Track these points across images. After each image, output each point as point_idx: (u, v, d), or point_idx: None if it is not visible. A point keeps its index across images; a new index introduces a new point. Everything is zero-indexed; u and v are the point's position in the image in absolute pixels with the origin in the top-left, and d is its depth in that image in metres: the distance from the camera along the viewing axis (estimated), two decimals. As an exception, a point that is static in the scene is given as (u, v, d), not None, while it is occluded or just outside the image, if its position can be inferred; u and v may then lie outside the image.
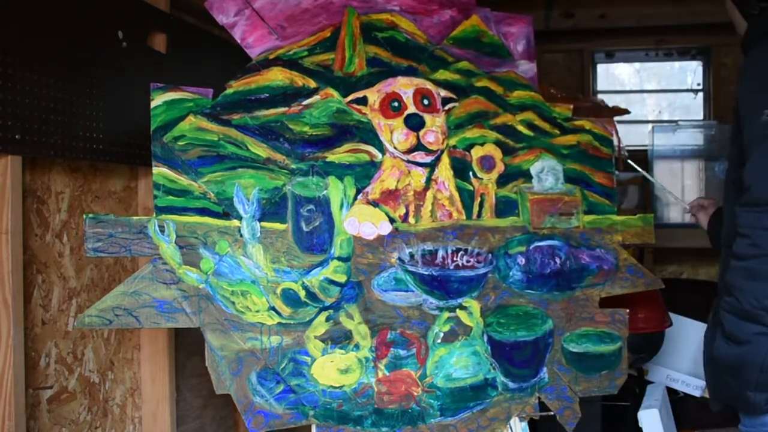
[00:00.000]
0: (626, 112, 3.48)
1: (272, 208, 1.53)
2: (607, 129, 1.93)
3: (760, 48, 1.44)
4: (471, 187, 1.72)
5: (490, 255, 1.70)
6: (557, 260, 1.76)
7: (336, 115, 1.61)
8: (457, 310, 1.66)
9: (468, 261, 1.68)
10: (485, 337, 1.68)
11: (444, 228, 1.68)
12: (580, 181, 1.83)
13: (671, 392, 2.83)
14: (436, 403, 1.63)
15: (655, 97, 4.70)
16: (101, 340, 1.87)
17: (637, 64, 4.63)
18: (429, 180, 1.67)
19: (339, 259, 1.56)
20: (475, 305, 1.68)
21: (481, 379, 1.67)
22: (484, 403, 1.67)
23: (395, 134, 1.64)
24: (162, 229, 1.43)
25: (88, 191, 1.83)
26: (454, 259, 1.66)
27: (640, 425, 2.37)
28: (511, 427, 1.70)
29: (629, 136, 4.29)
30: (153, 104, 1.45)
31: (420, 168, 1.67)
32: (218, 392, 1.48)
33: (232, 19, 1.57)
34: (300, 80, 1.59)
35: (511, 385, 1.70)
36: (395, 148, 1.64)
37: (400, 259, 1.62)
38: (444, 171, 1.69)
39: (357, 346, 1.57)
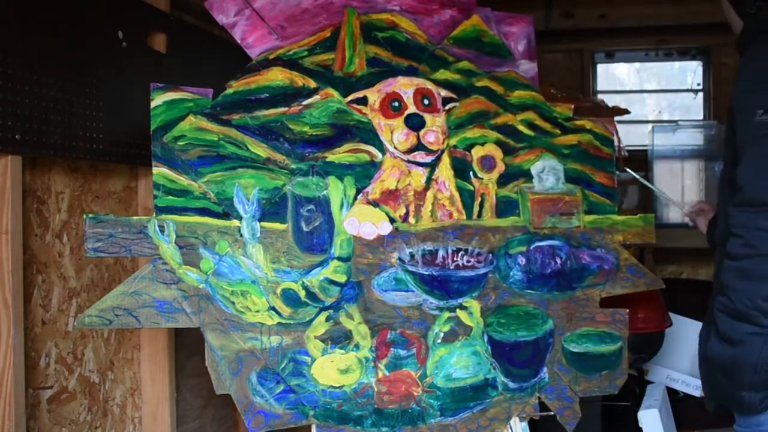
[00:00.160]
0: (626, 112, 3.48)
1: (272, 208, 1.52)
2: (608, 129, 1.93)
3: (755, 48, 1.43)
4: (471, 187, 1.72)
5: (490, 255, 1.70)
6: (558, 260, 1.76)
7: (336, 115, 1.61)
8: (458, 310, 1.66)
9: (468, 261, 1.68)
10: (485, 337, 1.68)
11: (444, 228, 1.67)
12: (581, 181, 1.83)
13: (671, 392, 2.83)
14: (436, 403, 1.63)
15: (655, 97, 4.70)
16: (101, 340, 1.87)
17: (637, 64, 4.63)
18: (429, 180, 1.67)
19: (339, 259, 1.56)
20: (475, 305, 1.68)
21: (481, 379, 1.67)
22: (485, 403, 1.67)
23: (395, 134, 1.64)
24: (162, 229, 1.43)
25: (88, 191, 1.83)
26: (455, 259, 1.66)
27: (640, 425, 2.37)
28: (511, 427, 1.70)
29: (629, 136, 4.29)
30: (153, 104, 1.45)
31: (420, 168, 1.67)
32: (218, 392, 1.48)
33: (232, 19, 1.57)
34: (300, 80, 1.59)
35: (511, 385, 1.70)
36: (395, 148, 1.64)
37: (400, 259, 1.62)
38: (444, 171, 1.69)
39: (357, 346, 1.57)
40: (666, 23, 3.99)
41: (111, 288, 1.67)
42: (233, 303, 1.48)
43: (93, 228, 1.38)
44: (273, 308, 1.50)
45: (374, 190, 1.62)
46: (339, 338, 1.56)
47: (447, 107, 1.72)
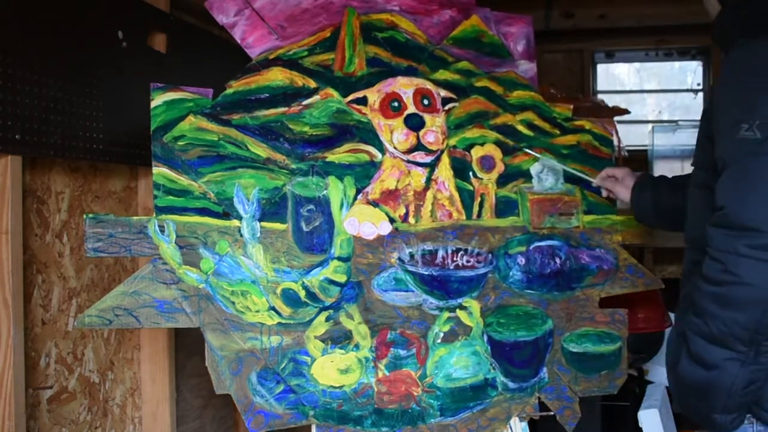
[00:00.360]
0: (626, 112, 3.48)
1: (272, 208, 1.53)
2: (606, 129, 1.93)
3: (749, 48, 1.26)
4: (471, 187, 1.72)
5: (490, 255, 1.70)
6: (557, 260, 1.76)
7: (336, 115, 1.61)
8: (457, 310, 1.66)
9: (468, 261, 1.68)
10: (485, 337, 1.68)
11: (444, 228, 1.68)
12: (580, 181, 1.83)
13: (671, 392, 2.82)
14: (436, 403, 1.63)
15: (655, 97, 4.70)
16: (101, 340, 1.87)
17: (637, 64, 4.63)
18: (429, 180, 1.67)
19: (339, 259, 1.56)
20: (475, 305, 1.68)
21: (481, 379, 1.67)
22: (484, 403, 1.67)
23: (395, 134, 1.64)
24: (162, 229, 1.43)
25: (88, 191, 1.83)
26: (454, 259, 1.66)
27: (640, 425, 2.37)
28: (511, 427, 1.70)
29: (629, 136, 4.30)
30: (153, 104, 1.45)
31: (420, 168, 1.67)
32: (218, 392, 1.48)
33: (232, 19, 1.57)
34: (300, 80, 1.59)
35: (511, 385, 1.70)
36: (395, 148, 1.64)
37: (400, 259, 1.62)
38: (444, 171, 1.69)
39: (357, 346, 1.57)
40: (666, 23, 3.99)
41: (111, 288, 1.67)
42: (233, 303, 1.48)
43: (93, 228, 1.38)
44: (273, 308, 1.51)
45: (374, 190, 1.62)
46: (339, 338, 1.56)
47: (446, 107, 1.72)
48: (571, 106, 1.90)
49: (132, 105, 1.80)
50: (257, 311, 1.49)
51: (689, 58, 4.42)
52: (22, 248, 1.52)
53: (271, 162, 1.54)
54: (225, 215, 1.49)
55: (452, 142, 1.72)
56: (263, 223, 1.51)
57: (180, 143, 1.47)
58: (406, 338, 1.61)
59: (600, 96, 4.34)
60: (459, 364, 1.65)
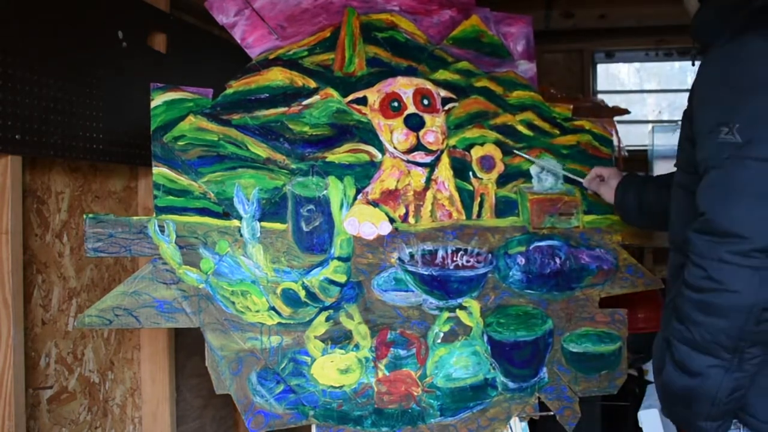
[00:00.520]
0: (626, 112, 3.48)
1: (272, 208, 1.53)
2: (606, 129, 1.93)
3: (730, 47, 1.21)
4: (471, 187, 1.72)
5: (489, 255, 1.70)
6: (557, 260, 1.76)
7: (336, 115, 1.61)
8: (457, 310, 1.66)
9: (468, 261, 1.68)
10: (485, 337, 1.68)
11: (444, 228, 1.68)
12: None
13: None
14: (436, 403, 1.63)
15: (655, 97, 4.70)
16: (101, 340, 1.87)
17: (637, 64, 4.63)
18: (429, 180, 1.68)
19: (339, 259, 1.56)
20: (475, 305, 1.68)
21: (481, 379, 1.67)
22: (484, 403, 1.67)
23: (395, 134, 1.64)
24: (162, 229, 1.43)
25: (88, 191, 1.83)
26: (454, 259, 1.66)
27: (640, 425, 2.37)
28: (511, 427, 1.70)
29: (629, 136, 4.30)
30: (153, 104, 1.45)
31: (420, 168, 1.67)
32: (218, 392, 1.48)
33: (232, 19, 1.57)
34: (300, 80, 1.59)
35: (511, 385, 1.70)
36: (395, 148, 1.64)
37: (400, 259, 1.62)
38: (444, 171, 1.69)
39: (357, 346, 1.57)
40: (666, 23, 3.99)
41: (111, 288, 1.67)
42: (233, 303, 1.48)
43: (93, 228, 1.38)
44: (273, 308, 1.51)
45: (374, 190, 1.62)
46: (339, 338, 1.56)
47: (446, 107, 1.72)
48: (571, 106, 1.90)
49: (132, 105, 1.80)
50: (257, 311, 1.49)
51: (689, 58, 4.42)
52: (22, 248, 1.52)
53: (271, 162, 1.54)
54: (225, 215, 1.49)
55: (452, 142, 1.72)
56: (263, 223, 1.51)
57: (180, 143, 1.47)
58: (406, 338, 1.61)
59: (600, 96, 4.34)
60: (459, 364, 1.65)
